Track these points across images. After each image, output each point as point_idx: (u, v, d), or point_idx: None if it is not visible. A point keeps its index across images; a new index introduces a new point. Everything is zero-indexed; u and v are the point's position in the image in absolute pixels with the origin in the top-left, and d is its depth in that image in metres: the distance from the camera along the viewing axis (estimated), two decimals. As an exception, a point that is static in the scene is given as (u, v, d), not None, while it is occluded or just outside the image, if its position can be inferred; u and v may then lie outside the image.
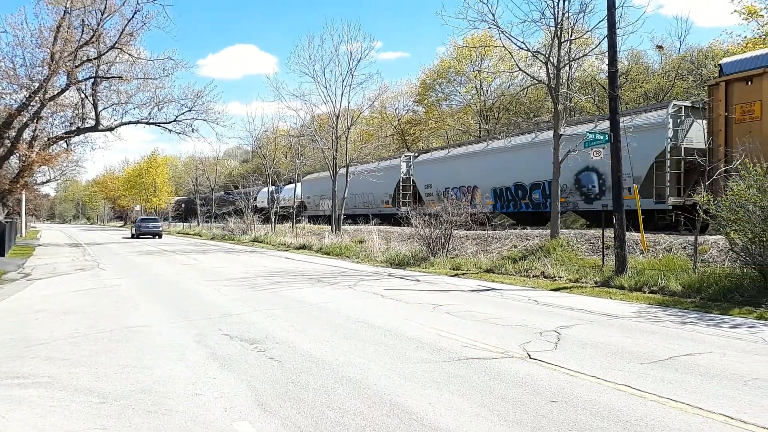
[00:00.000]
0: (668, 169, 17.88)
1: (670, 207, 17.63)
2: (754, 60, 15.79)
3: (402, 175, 33.31)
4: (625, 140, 14.58)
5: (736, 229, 10.43)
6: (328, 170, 33.05)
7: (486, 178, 26.33)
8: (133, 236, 44.94)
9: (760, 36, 26.56)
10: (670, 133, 17.93)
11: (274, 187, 42.80)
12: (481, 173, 26.67)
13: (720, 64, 16.97)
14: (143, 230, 43.55)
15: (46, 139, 29.72)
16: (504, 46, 19.07)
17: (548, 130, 21.91)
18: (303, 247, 27.17)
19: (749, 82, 15.35)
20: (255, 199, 59.98)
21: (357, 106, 35.98)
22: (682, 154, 18.03)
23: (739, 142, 14.37)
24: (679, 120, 18.15)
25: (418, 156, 34.29)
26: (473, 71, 43.77)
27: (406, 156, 34.63)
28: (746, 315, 9.02)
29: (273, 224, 37.53)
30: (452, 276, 15.35)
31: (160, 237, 43.81)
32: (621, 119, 14.15)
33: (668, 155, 17.87)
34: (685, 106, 18.54)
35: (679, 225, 15.60)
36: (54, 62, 25.49)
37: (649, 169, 18.47)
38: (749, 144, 13.60)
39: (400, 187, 33.21)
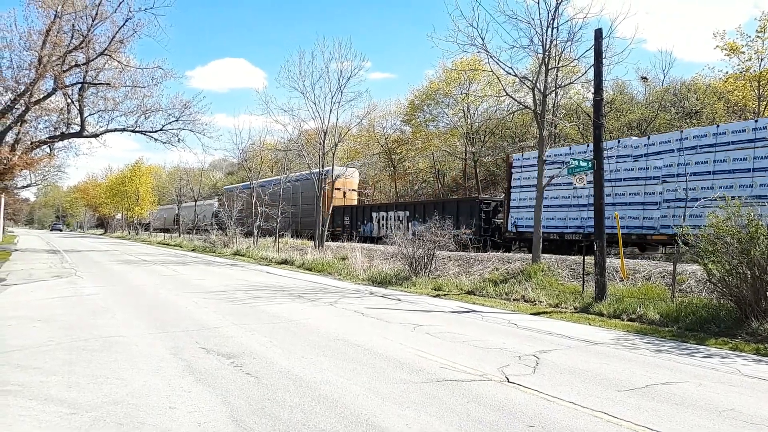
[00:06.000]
0: (213, 220, 46.13)
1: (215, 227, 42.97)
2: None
3: None
4: (204, 208, 57.82)
5: (714, 260, 10.51)
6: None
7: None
8: (51, 230, 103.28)
9: (740, 71, 27.25)
10: (216, 207, 54.64)
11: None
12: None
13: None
14: (54, 228, 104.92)
15: (29, 142, 29.38)
16: (492, 71, 19.28)
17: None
18: (285, 262, 27.00)
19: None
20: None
21: (345, 123, 36.12)
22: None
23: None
24: (220, 202, 53.04)
25: None
26: (461, 94, 44.22)
27: None
28: (721, 346, 9.12)
29: (255, 238, 37.30)
30: (434, 296, 15.34)
31: (61, 231, 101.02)
32: (203, 201, 60.06)
33: (214, 217, 48.66)
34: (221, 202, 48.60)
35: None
36: (41, 66, 25.34)
37: (211, 218, 50.34)
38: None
39: None
